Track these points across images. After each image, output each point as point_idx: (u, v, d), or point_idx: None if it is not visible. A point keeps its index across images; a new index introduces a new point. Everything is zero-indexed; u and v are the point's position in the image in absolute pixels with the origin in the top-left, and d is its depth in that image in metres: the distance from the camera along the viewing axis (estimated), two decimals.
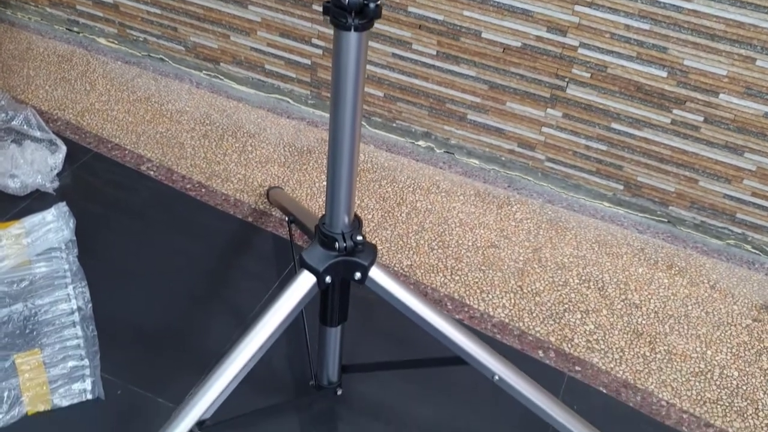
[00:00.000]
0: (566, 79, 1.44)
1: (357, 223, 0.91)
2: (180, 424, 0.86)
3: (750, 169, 1.39)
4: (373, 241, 1.39)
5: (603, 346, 1.26)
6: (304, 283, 0.91)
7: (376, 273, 0.92)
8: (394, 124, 1.67)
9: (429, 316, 0.95)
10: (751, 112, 1.33)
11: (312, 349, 1.11)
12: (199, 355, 1.17)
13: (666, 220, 1.53)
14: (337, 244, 0.88)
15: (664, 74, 1.36)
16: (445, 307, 1.30)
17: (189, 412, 0.86)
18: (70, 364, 1.12)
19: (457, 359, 0.98)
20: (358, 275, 0.91)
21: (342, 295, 0.96)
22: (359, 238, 0.89)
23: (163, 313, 1.24)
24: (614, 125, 1.46)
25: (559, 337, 1.27)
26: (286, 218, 1.26)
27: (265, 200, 1.48)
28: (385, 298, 0.94)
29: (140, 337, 1.20)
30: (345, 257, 0.90)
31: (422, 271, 1.37)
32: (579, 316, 1.31)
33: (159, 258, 1.34)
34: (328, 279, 0.91)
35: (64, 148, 1.51)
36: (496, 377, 0.96)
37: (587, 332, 1.28)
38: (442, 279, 1.36)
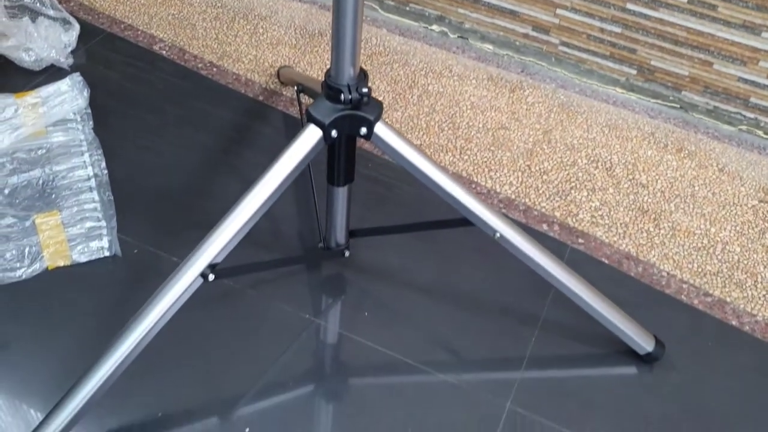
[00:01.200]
0: None
1: (363, 75, 0.92)
2: (193, 265, 0.89)
3: (767, 49, 1.37)
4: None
5: (607, 222, 1.28)
6: (310, 136, 0.92)
7: (381, 129, 0.94)
8: (408, 8, 1.65)
9: (433, 174, 0.97)
10: None
11: (320, 212, 1.14)
12: (213, 218, 1.20)
13: (678, 105, 1.52)
14: (342, 96, 0.90)
15: None
16: None
17: (200, 256, 0.90)
18: (88, 224, 1.16)
19: (462, 221, 1.00)
20: (363, 130, 0.93)
21: (348, 153, 0.98)
22: (365, 90, 0.90)
23: (176, 181, 1.27)
24: (629, 5, 1.44)
25: (564, 213, 1.29)
26: (296, 87, 1.27)
27: (276, 80, 1.49)
28: (390, 155, 0.96)
29: (155, 202, 1.23)
30: (351, 111, 0.91)
31: (432, 150, 1.38)
32: (585, 193, 1.33)
33: (171, 131, 1.36)
34: (334, 133, 0.92)
35: (77, 26, 1.51)
36: (498, 234, 0.98)
37: (592, 208, 1.30)
38: (451, 158, 1.37)
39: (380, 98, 1.48)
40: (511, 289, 1.15)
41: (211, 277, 0.90)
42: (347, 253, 1.12)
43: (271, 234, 1.19)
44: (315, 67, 1.53)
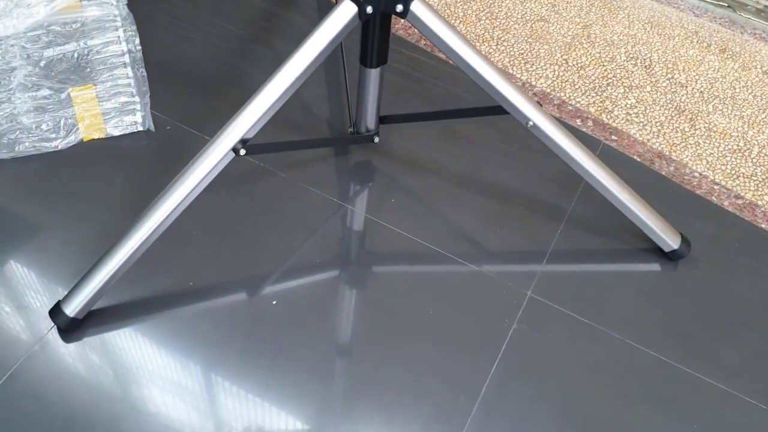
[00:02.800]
0: None
1: None
2: (225, 139, 0.90)
3: None
4: None
5: (642, 119, 1.26)
6: (344, 12, 0.91)
7: (418, 6, 0.92)
8: None
9: (470, 57, 0.95)
10: None
11: (351, 96, 1.14)
12: (245, 98, 1.20)
13: (726, 4, 1.46)
14: None
15: None
16: None
17: (232, 130, 0.90)
18: (122, 99, 1.17)
19: (495, 109, 0.99)
20: (399, 7, 0.91)
21: (382, 32, 0.97)
22: None
23: (211, 59, 1.27)
24: None
25: (599, 109, 1.27)
26: None
27: None
28: (426, 35, 0.94)
29: (190, 80, 1.23)
30: None
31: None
32: (622, 90, 1.30)
33: (203, 17, 1.35)
34: (369, 9, 0.91)
35: None
36: (531, 123, 0.97)
37: (628, 106, 1.28)
38: (487, 48, 1.35)
39: None
40: (540, 182, 1.14)
41: (243, 152, 0.91)
42: (377, 139, 1.12)
43: (301, 116, 1.19)
44: None
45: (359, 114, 1.10)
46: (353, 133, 1.14)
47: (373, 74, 1.03)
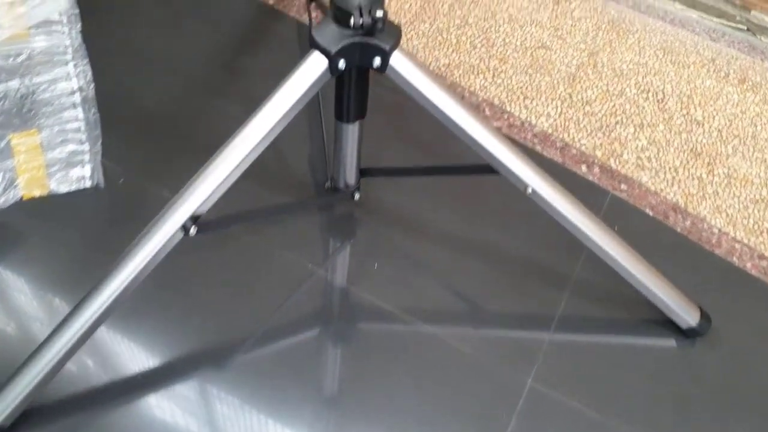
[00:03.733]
0: None
1: None
2: (170, 217, 0.77)
3: None
4: (409, 36, 1.23)
5: (655, 165, 1.13)
6: (314, 66, 0.77)
7: (399, 60, 0.79)
8: None
9: (458, 116, 0.82)
10: None
11: (329, 147, 1.01)
12: (211, 145, 1.07)
13: (745, 27, 1.33)
14: (352, 19, 0.74)
15: None
16: (482, 112, 1.17)
17: (181, 205, 0.77)
18: (69, 148, 1.03)
19: (487, 168, 0.86)
20: (377, 61, 0.78)
21: (359, 86, 0.84)
22: (379, 13, 0.74)
23: (172, 98, 1.13)
24: None
25: (607, 152, 1.14)
26: None
27: None
28: (408, 91, 0.81)
29: (146, 122, 1.10)
30: (362, 38, 0.76)
31: (461, 71, 1.22)
32: (632, 129, 1.17)
33: (169, 38, 1.21)
34: (341, 64, 0.77)
35: None
36: (530, 189, 0.84)
37: (639, 148, 1.15)
38: (483, 81, 1.21)
39: (406, 6, 1.30)
40: (540, 243, 1.02)
41: (193, 230, 0.78)
42: (357, 196, 0.99)
43: (269, 169, 1.06)
44: None
45: (337, 169, 0.97)
46: (330, 189, 1.01)
47: (351, 128, 0.90)
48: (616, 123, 1.18)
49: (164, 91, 1.14)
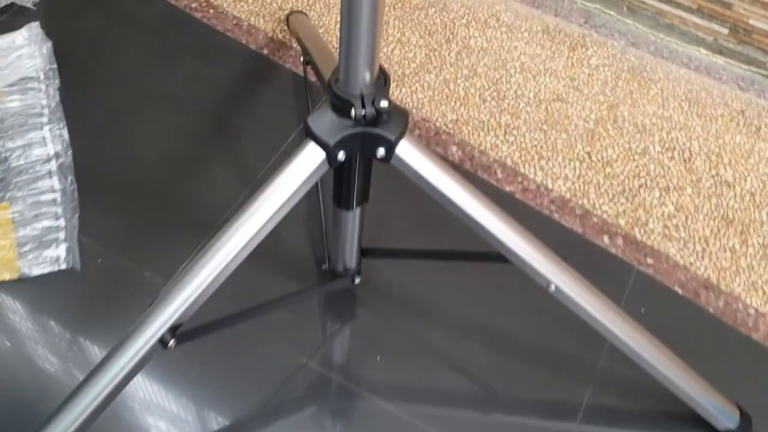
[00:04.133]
0: None
1: (382, 80, 0.67)
2: (148, 329, 0.68)
3: None
4: (413, 88, 1.14)
5: (683, 234, 1.04)
6: (310, 157, 0.68)
7: (405, 149, 0.70)
8: None
9: (473, 209, 0.73)
10: None
11: (327, 227, 0.91)
12: (198, 220, 0.98)
13: None
14: (353, 111, 0.65)
15: None
16: (494, 176, 1.07)
17: (159, 316, 0.68)
18: (44, 223, 0.94)
19: (500, 256, 0.77)
20: (381, 152, 0.69)
21: (362, 173, 0.74)
22: (384, 104, 0.65)
23: (156, 165, 1.04)
24: None
25: (631, 220, 1.05)
26: (302, 57, 1.01)
27: (285, 27, 1.22)
28: (416, 181, 0.72)
29: (129, 192, 1.01)
30: (364, 128, 0.67)
31: (470, 128, 1.13)
32: (657, 193, 1.08)
33: (154, 96, 1.12)
34: (341, 155, 0.68)
35: None
36: (553, 287, 0.75)
37: (665, 215, 1.05)
38: (494, 140, 1.12)
39: (411, 55, 1.21)
40: (559, 330, 0.92)
41: (173, 343, 0.69)
42: (357, 280, 0.90)
43: (260, 252, 0.97)
44: (333, 11, 1.26)
45: (335, 252, 0.88)
46: (328, 271, 0.92)
47: (351, 215, 0.81)
48: (640, 186, 1.08)
49: (147, 158, 1.05)
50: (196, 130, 1.09)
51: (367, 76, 0.65)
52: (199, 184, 1.02)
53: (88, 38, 1.18)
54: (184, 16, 1.23)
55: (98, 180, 1.00)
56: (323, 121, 0.68)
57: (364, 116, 0.65)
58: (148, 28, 1.20)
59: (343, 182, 0.75)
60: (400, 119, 0.69)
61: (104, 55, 1.16)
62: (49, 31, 1.14)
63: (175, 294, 0.69)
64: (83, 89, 1.10)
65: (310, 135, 0.68)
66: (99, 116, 1.08)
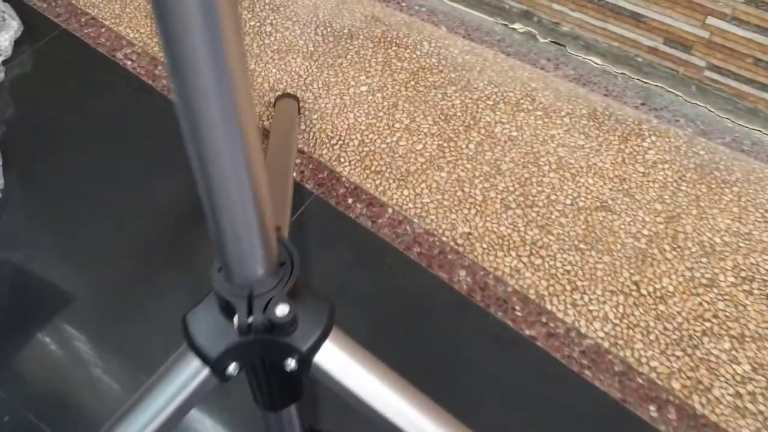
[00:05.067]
0: None
1: (287, 268, 0.46)
2: None
3: None
4: (418, 189, 0.93)
5: (763, 408, 0.78)
6: (189, 369, 0.48)
7: (329, 358, 0.48)
8: None
9: None
10: None
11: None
12: (142, 360, 0.80)
13: None
14: (236, 318, 0.44)
15: None
16: (511, 313, 0.84)
17: None
18: None
19: None
20: (291, 364, 0.48)
21: (278, 378, 0.53)
22: (281, 310, 0.44)
23: (95, 288, 0.86)
24: None
25: (690, 384, 0.79)
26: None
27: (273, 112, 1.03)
28: (349, 401, 0.50)
29: (39, 344, 0.83)
30: (263, 335, 0.46)
31: (485, 245, 0.90)
32: (728, 345, 0.82)
33: (111, 200, 0.95)
34: (232, 368, 0.48)
35: (15, 25, 1.10)
36: None
37: (738, 378, 0.80)
38: (515, 262, 0.89)
39: (419, 147, 1.00)
40: None
41: None
42: None
43: None
44: (332, 91, 1.06)
45: None
46: None
47: (283, 414, 0.60)
48: (704, 333, 0.83)
49: (86, 277, 0.87)
50: (154, 246, 0.91)
51: (259, 268, 0.44)
52: (147, 314, 0.84)
53: (45, 120, 1.03)
54: (162, 99, 1.05)
55: (12, 329, 0.83)
56: (204, 322, 0.47)
57: (249, 326, 0.44)
58: (119, 111, 1.04)
59: (260, 384, 0.54)
60: (320, 315, 0.48)
61: (58, 142, 1.00)
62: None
63: None
64: (23, 184, 0.94)
65: (188, 341, 0.48)
66: (37, 222, 0.92)
